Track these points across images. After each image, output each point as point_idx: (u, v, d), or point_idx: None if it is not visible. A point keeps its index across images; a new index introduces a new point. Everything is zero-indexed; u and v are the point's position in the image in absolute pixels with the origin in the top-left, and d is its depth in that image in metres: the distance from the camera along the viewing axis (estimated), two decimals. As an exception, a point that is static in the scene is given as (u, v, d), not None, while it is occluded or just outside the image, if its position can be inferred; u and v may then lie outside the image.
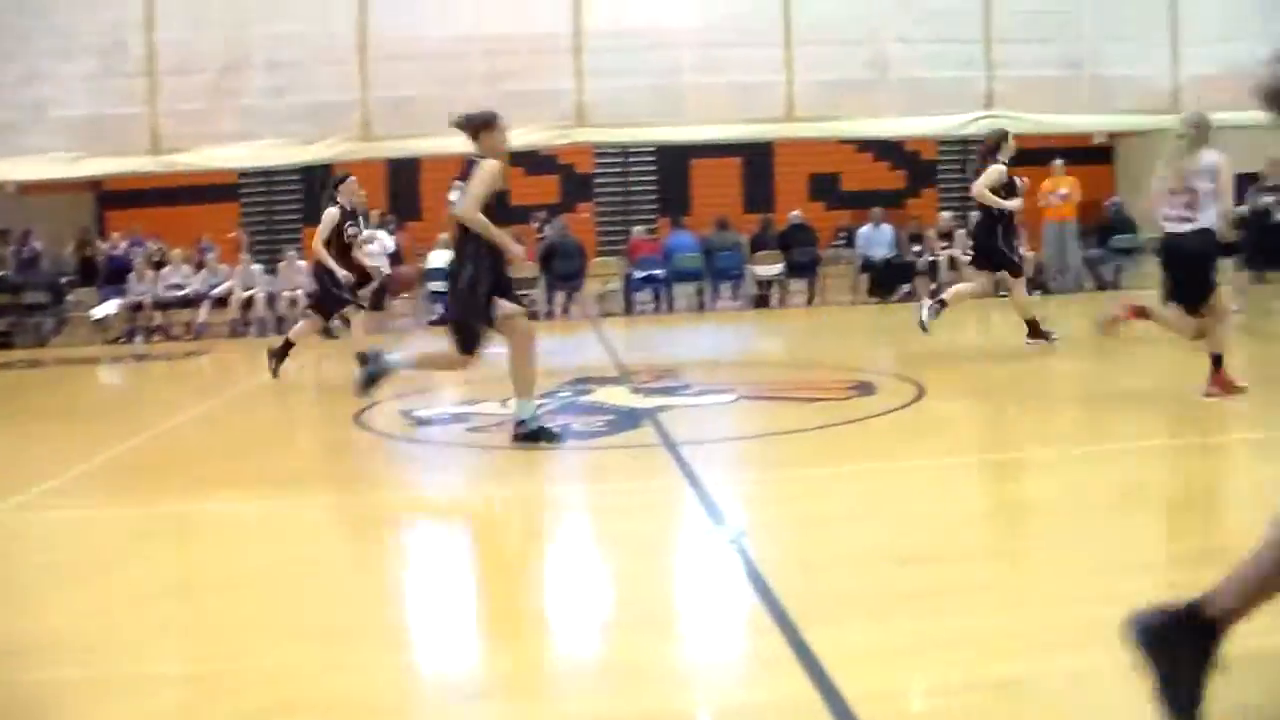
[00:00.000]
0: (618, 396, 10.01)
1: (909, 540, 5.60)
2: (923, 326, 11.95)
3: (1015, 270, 12.26)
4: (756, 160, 27.62)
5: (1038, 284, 20.21)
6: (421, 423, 9.64)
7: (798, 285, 21.11)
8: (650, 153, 26.67)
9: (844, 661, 3.93)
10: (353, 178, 12.59)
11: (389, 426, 9.55)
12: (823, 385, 10.56)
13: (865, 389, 10.05)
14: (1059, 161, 20.10)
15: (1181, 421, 8.65)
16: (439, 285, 18.82)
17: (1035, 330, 12.16)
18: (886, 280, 20.80)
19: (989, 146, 12.29)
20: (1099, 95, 15.64)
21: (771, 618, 4.42)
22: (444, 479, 7.95)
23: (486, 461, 8.22)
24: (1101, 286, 20.76)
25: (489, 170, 7.82)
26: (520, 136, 14.62)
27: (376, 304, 12.93)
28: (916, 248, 21.24)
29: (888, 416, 8.73)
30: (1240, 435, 8.11)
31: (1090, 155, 23.32)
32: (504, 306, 7.94)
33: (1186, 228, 8.69)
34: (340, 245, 12.16)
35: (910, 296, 20.03)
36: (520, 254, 8.26)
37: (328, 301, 12.35)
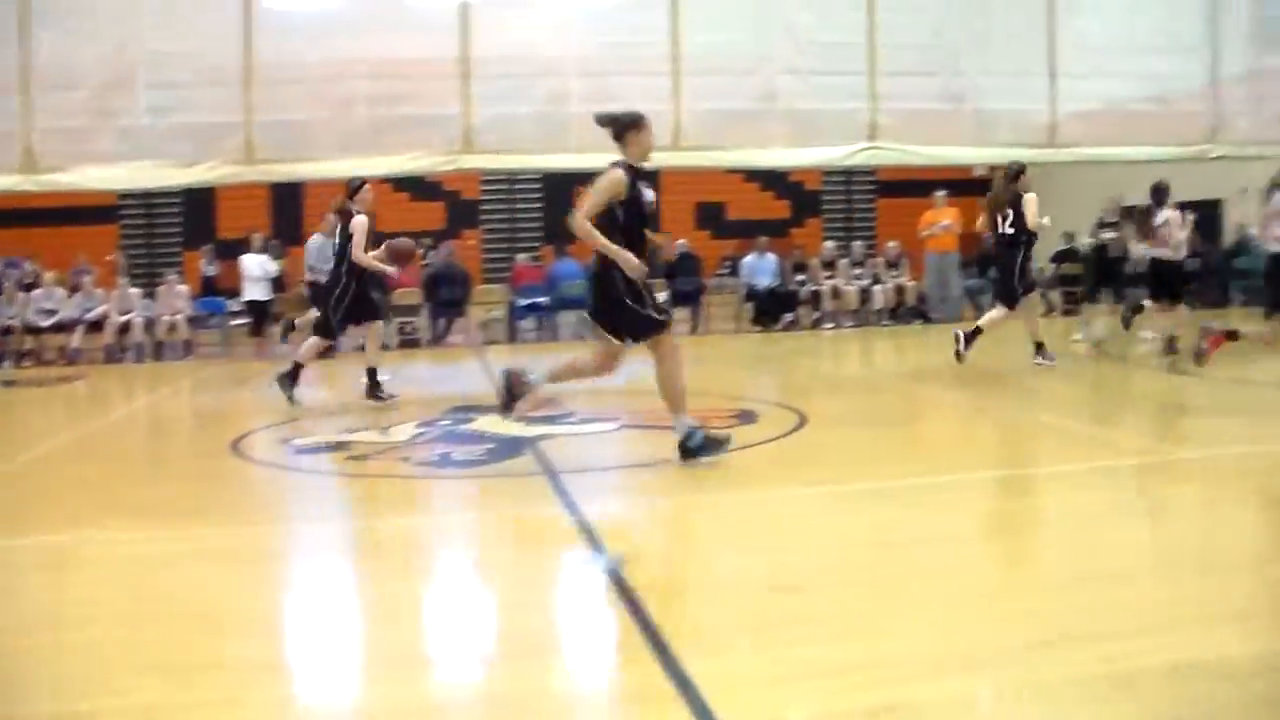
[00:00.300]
0: (499, 425, 9.93)
1: (788, 568, 5.61)
2: (958, 357, 12.60)
3: (1011, 303, 12.97)
4: (644, 189, 27.71)
5: (919, 313, 20.53)
6: (300, 451, 9.47)
7: (682, 314, 21.14)
8: (537, 180, 26.65)
9: (723, 691, 3.92)
10: (367, 185, 12.20)
11: (267, 455, 9.40)
12: (705, 414, 10.54)
13: (747, 417, 10.08)
14: (941, 193, 20.42)
15: (1061, 448, 8.86)
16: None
17: (1040, 349, 13.03)
18: (770, 309, 20.97)
19: (1011, 177, 13.15)
20: (980, 128, 15.88)
21: (651, 647, 4.39)
22: (321, 509, 7.78)
23: (365, 491, 8.12)
24: (982, 315, 21.07)
25: (610, 180, 7.85)
26: (406, 162, 14.62)
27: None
28: (800, 277, 21.44)
29: (768, 445, 8.75)
30: (1114, 461, 8.25)
31: (971, 187, 23.67)
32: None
33: None
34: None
35: (794, 325, 20.21)
36: (637, 267, 7.89)
37: (359, 308, 11.95)
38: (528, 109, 14.86)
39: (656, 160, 16.05)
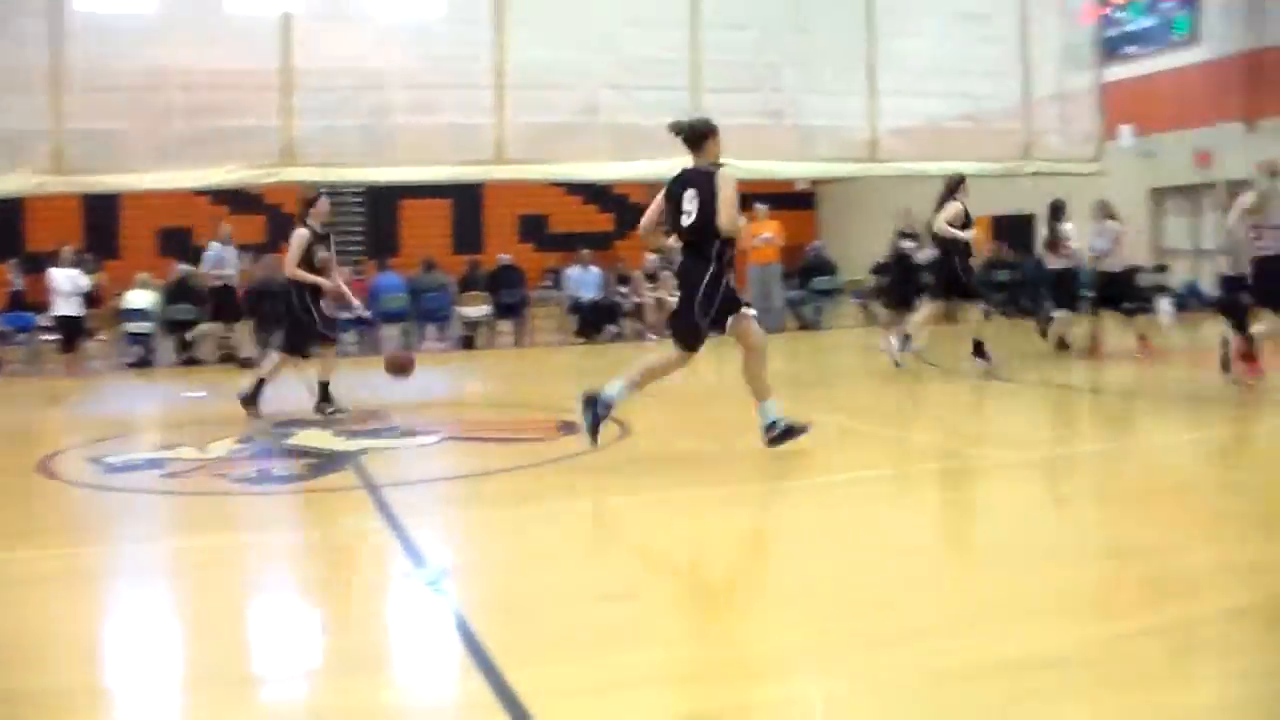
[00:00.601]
0: (319, 439, 9.81)
1: (611, 577, 5.64)
2: (896, 364, 13.26)
3: (977, 296, 13.56)
4: (466, 202, 27.64)
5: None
6: (112, 469, 9.16)
7: (506, 326, 21.12)
8: (359, 193, 26.42)
9: (548, 702, 3.93)
10: (324, 199, 11.79)
11: (76, 474, 9.07)
12: (528, 425, 10.57)
13: (570, 429, 10.05)
14: (762, 206, 20.66)
15: (873, 453, 9.15)
16: (137, 326, 18.24)
17: (980, 350, 13.26)
18: (594, 321, 21.00)
19: (949, 187, 13.35)
20: (801, 143, 16.18)
21: (474, 661, 4.38)
22: (134, 529, 7.54)
23: (180, 509, 7.91)
24: (804, 326, 21.49)
25: (733, 177, 8.15)
26: (223, 175, 14.36)
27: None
28: (623, 289, 21.53)
29: (591, 455, 8.78)
30: (925, 465, 8.45)
31: (793, 201, 24.07)
32: (741, 313, 8.37)
33: None
34: (309, 270, 11.38)
35: (618, 337, 20.28)
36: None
37: (299, 333, 11.52)
38: (350, 121, 14.73)
39: (479, 174, 16.11)
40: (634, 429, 9.86)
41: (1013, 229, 26.16)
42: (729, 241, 8.22)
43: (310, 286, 11.37)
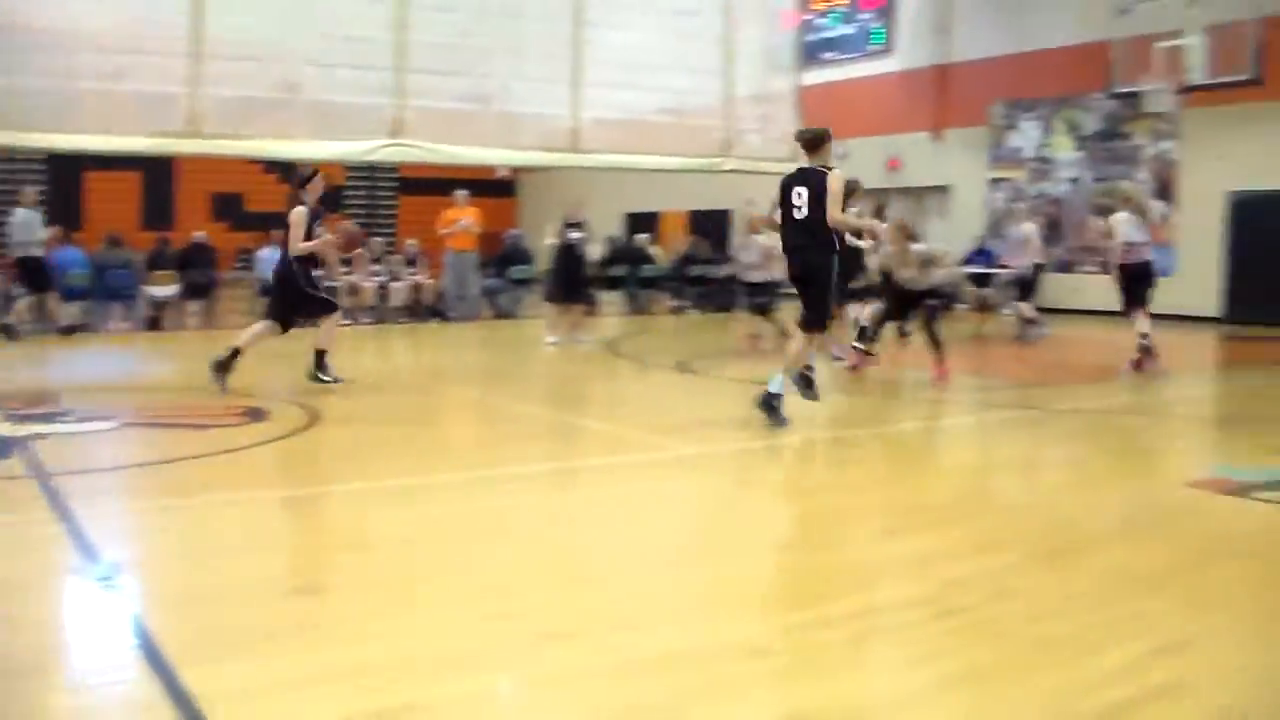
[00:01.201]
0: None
1: (296, 571, 5.50)
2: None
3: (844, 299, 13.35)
4: (157, 176, 26.69)
5: (437, 312, 20.57)
6: None
7: (195, 307, 20.36)
8: (40, 162, 25.19)
9: (223, 701, 3.81)
10: (320, 176, 11.85)
11: None
12: (213, 411, 10.15)
13: (257, 415, 9.77)
14: (462, 192, 20.51)
15: (566, 445, 9.18)
16: None
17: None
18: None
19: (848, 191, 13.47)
20: (506, 131, 16.03)
21: (148, 660, 4.17)
22: None
23: None
24: (499, 315, 21.42)
25: (841, 177, 9.35)
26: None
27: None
28: (317, 272, 21.02)
29: (278, 443, 8.51)
30: (614, 458, 8.46)
31: (494, 188, 23.96)
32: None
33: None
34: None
35: (311, 321, 19.77)
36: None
37: (297, 305, 11.71)
38: (31, 83, 13.92)
39: (170, 147, 15.48)
40: (325, 417, 9.62)
41: (708, 224, 26.73)
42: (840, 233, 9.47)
43: (309, 259, 11.70)
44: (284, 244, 11.83)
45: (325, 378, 11.41)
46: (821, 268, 9.35)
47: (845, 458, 9.24)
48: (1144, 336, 13.55)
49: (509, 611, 4.87)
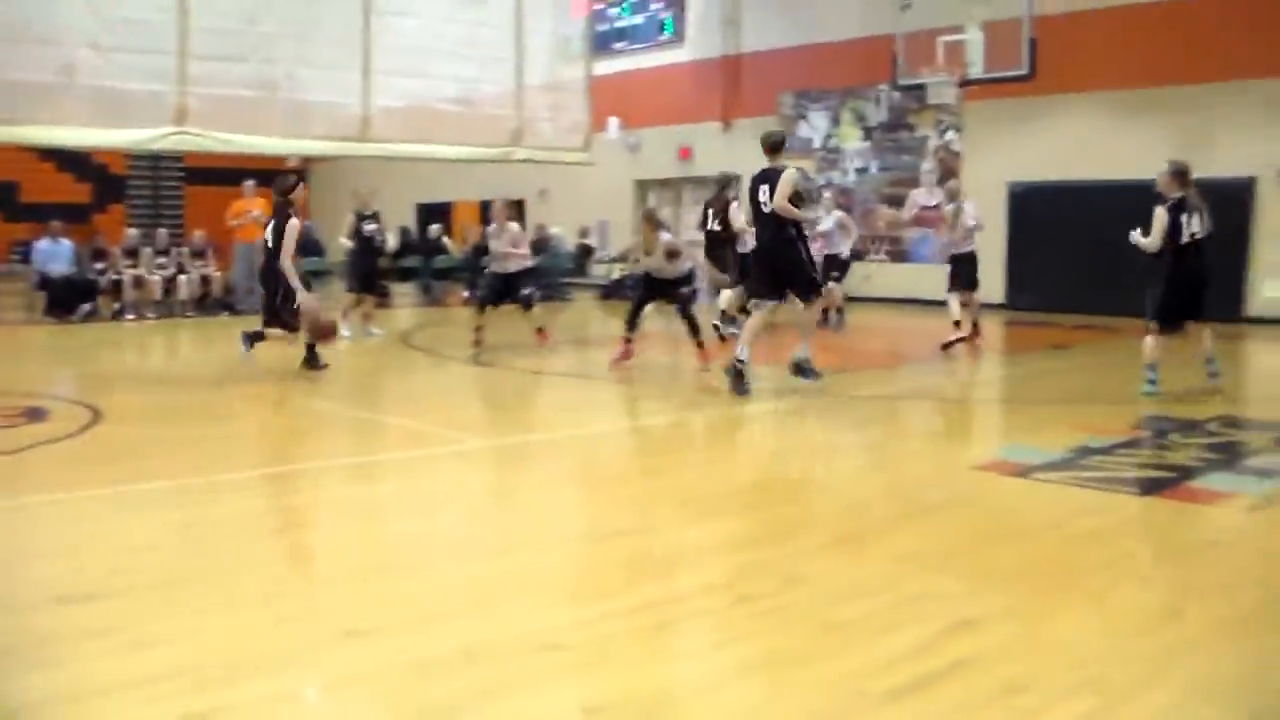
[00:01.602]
0: None
1: (76, 576, 5.23)
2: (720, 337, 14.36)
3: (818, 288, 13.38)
4: (-80, 164, 25.58)
5: (226, 305, 20.06)
6: None
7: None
8: None
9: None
10: (302, 186, 12.06)
11: None
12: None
13: (35, 415, 9.39)
14: (250, 183, 20.07)
15: (356, 439, 9.23)
16: None
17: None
18: (66, 299, 19.64)
19: (723, 184, 14.73)
20: (294, 119, 15.65)
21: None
22: None
23: None
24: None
25: (792, 176, 10.82)
26: None
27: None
28: (100, 265, 20.28)
29: (58, 444, 8.19)
30: (413, 451, 8.33)
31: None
32: None
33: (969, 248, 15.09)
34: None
35: (93, 316, 19.11)
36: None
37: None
38: None
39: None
40: (106, 415, 9.28)
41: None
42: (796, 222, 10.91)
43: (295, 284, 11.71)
44: (274, 249, 11.75)
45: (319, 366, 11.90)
46: (789, 244, 10.81)
47: (643, 447, 9.36)
48: (973, 320, 15.10)
49: (299, 611, 4.79)
